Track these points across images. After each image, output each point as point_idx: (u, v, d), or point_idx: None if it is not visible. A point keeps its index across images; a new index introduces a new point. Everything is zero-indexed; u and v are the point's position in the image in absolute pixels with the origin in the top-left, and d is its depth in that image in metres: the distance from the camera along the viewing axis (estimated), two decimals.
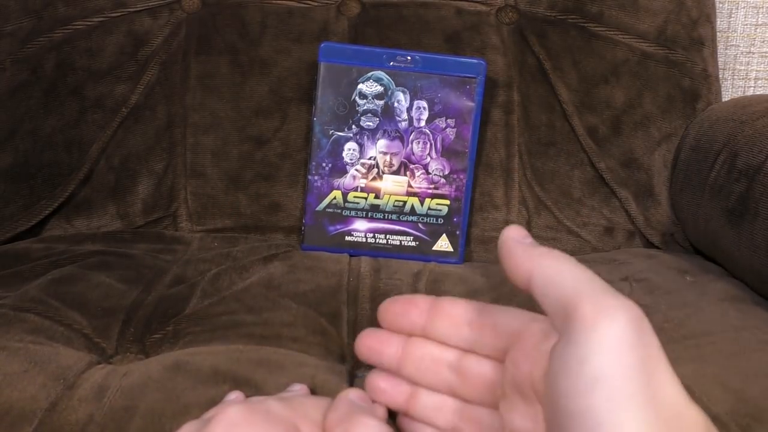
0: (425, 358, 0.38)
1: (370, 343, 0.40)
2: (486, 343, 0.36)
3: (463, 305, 0.38)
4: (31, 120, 0.72)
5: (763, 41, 0.90)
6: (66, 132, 0.72)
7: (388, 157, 0.68)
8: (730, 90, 0.91)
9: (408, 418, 0.39)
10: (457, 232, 0.69)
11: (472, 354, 0.37)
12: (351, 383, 0.46)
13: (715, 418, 0.42)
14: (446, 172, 0.69)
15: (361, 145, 0.68)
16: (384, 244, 0.69)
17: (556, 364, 0.29)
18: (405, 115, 0.68)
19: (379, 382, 0.39)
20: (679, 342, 0.51)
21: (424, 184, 0.69)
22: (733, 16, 0.89)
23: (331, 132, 0.68)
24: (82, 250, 0.64)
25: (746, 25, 0.89)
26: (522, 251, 0.32)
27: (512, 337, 0.35)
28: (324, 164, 0.68)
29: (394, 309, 0.39)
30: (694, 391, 0.43)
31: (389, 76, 0.67)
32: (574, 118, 0.74)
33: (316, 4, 0.75)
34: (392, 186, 0.69)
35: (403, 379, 0.39)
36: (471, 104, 0.68)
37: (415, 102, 0.68)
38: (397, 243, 0.69)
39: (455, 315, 0.38)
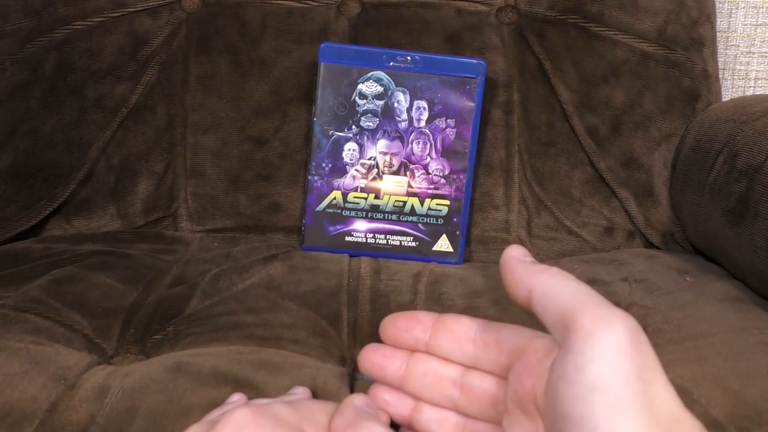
0: (429, 374, 0.39)
1: (373, 358, 0.40)
2: (489, 359, 0.37)
3: (466, 322, 0.38)
4: (31, 120, 0.72)
5: (763, 41, 0.90)
6: (66, 132, 0.72)
7: (388, 158, 0.68)
8: (730, 90, 0.91)
9: (411, 431, 0.40)
10: (457, 233, 0.69)
11: (475, 370, 0.38)
12: (351, 385, 0.46)
13: (713, 421, 0.42)
14: (446, 173, 0.69)
15: (361, 146, 0.68)
16: (384, 244, 0.69)
17: (556, 372, 0.30)
18: (405, 116, 0.68)
19: (383, 394, 0.40)
20: (678, 343, 0.51)
21: (424, 185, 0.69)
22: (733, 16, 0.89)
23: (331, 132, 0.68)
24: (82, 250, 0.64)
25: (746, 25, 0.89)
26: (523, 269, 0.33)
27: (515, 353, 0.35)
28: (324, 164, 0.68)
29: (397, 324, 0.40)
30: (692, 393, 0.44)
31: (389, 76, 0.67)
32: (574, 118, 0.75)
33: (316, 4, 0.75)
34: (392, 186, 0.69)
35: (407, 393, 0.39)
36: (471, 104, 0.68)
37: (415, 102, 0.68)
38: (397, 243, 0.69)
39: (459, 331, 0.38)
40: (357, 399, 0.38)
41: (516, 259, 0.34)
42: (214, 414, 0.39)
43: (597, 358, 0.28)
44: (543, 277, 0.33)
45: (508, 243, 0.73)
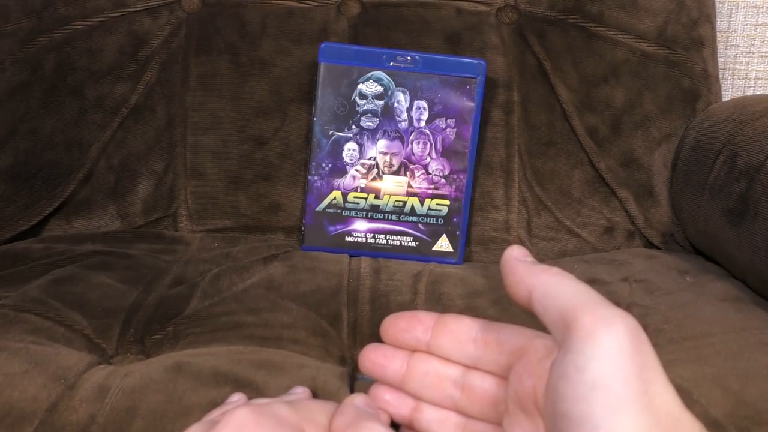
0: (429, 374, 0.39)
1: (374, 358, 0.40)
2: (490, 360, 0.37)
3: (467, 322, 0.39)
4: (31, 120, 0.72)
5: (763, 41, 0.90)
6: (66, 132, 0.72)
7: (388, 158, 0.68)
8: (730, 90, 0.91)
9: (412, 431, 0.40)
10: (457, 233, 0.69)
11: (475, 370, 0.38)
12: (351, 385, 0.46)
13: (713, 421, 0.42)
14: (446, 173, 0.69)
15: (361, 146, 0.68)
16: (384, 244, 0.69)
17: (556, 371, 0.30)
18: (405, 116, 0.68)
19: (383, 393, 0.40)
20: (678, 343, 0.51)
21: (424, 185, 0.69)
22: (733, 16, 0.89)
23: (331, 132, 0.68)
24: (82, 250, 0.64)
25: (746, 25, 0.89)
26: (523, 269, 0.33)
27: (516, 354, 0.35)
28: (324, 164, 0.68)
29: (398, 324, 0.40)
30: (692, 393, 0.44)
31: (389, 76, 0.67)
32: (574, 118, 0.75)
33: (316, 4, 0.75)
34: (392, 186, 0.69)
35: (407, 393, 0.39)
36: (471, 104, 0.68)
37: (415, 102, 0.68)
38: (397, 243, 0.69)
39: (459, 331, 0.38)
40: (357, 399, 0.38)
41: (516, 260, 0.34)
42: (214, 414, 0.39)
43: (597, 358, 0.28)
44: (543, 277, 0.33)
45: (508, 243, 0.73)
